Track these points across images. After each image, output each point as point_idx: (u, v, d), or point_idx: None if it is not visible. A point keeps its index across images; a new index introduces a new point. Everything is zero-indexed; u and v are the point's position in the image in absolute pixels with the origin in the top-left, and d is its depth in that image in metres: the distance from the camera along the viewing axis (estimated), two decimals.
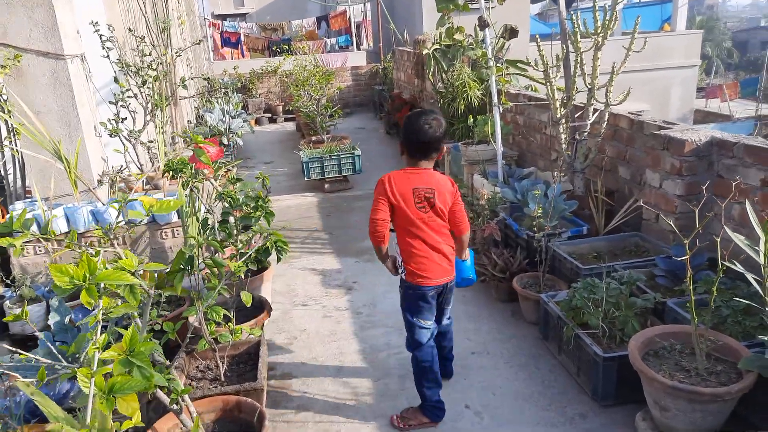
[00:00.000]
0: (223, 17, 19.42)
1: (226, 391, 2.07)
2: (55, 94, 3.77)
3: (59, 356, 1.97)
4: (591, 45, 3.70)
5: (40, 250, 3.49)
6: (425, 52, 6.58)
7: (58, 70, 3.75)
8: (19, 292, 3.20)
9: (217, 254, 2.11)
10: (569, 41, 3.89)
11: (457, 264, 2.63)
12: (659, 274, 3.05)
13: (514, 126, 5.71)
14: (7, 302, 3.20)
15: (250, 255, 2.43)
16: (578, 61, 3.73)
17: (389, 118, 9.28)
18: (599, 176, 4.02)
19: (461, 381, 2.89)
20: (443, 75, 6.54)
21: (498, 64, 5.33)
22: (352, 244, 4.81)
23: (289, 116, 11.84)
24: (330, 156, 6.36)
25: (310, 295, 3.95)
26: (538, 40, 3.82)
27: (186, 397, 1.72)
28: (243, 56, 15.87)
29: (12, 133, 3.79)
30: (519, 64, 6.02)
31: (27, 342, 3.12)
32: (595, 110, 3.89)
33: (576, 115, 4.04)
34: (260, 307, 2.89)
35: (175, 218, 3.62)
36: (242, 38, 16.12)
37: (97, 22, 4.10)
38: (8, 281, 3.33)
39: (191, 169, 2.81)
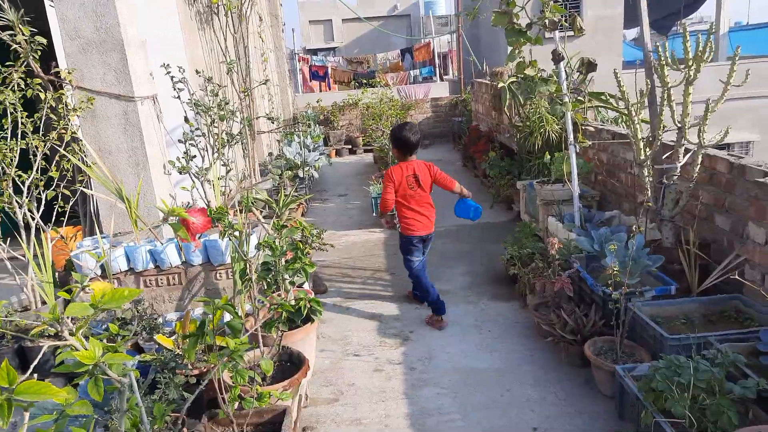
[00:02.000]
0: (314, 51, 20.20)
1: None
2: (125, 134, 3.91)
3: None
4: (681, 79, 3.27)
5: None
6: (501, 84, 6.30)
7: (129, 111, 3.89)
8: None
9: (231, 319, 1.96)
10: (655, 74, 3.47)
11: (463, 202, 4.21)
12: (765, 350, 2.54)
13: (597, 164, 5.24)
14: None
15: (279, 318, 2.27)
16: (665, 96, 3.31)
17: (465, 149, 9.01)
18: (692, 226, 3.50)
19: None
20: (519, 109, 6.21)
21: (579, 98, 4.94)
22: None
23: (369, 148, 11.90)
24: None
25: (364, 344, 3.73)
26: (617, 73, 3.44)
27: None
28: (330, 89, 16.30)
29: (85, 173, 3.96)
30: (602, 97, 5.57)
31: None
32: (687, 150, 3.42)
33: (664, 156, 3.58)
34: (299, 363, 2.72)
35: (228, 260, 3.58)
36: (329, 71, 16.59)
37: (168, 65, 4.24)
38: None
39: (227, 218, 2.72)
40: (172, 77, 4.26)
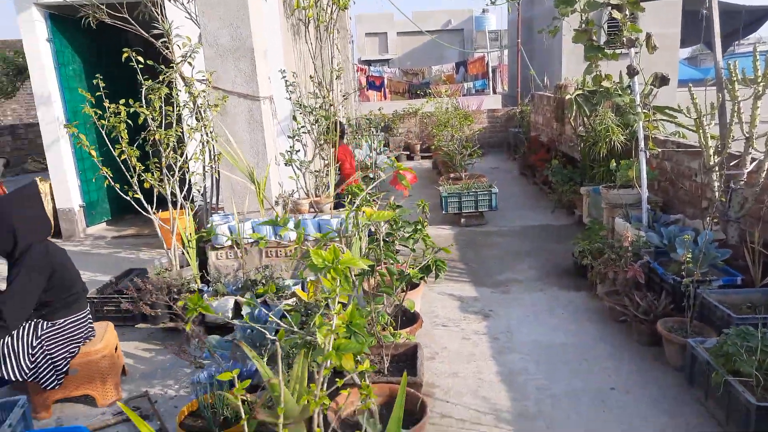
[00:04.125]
0: (369, 62, 20.94)
1: (391, 381, 2.41)
2: (249, 128, 4.54)
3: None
4: (750, 94, 3.66)
5: (231, 255, 4.18)
6: (567, 96, 6.73)
7: (253, 109, 4.52)
8: (214, 287, 3.87)
9: (393, 265, 2.49)
10: (725, 89, 3.87)
11: None
12: None
13: (660, 172, 5.61)
14: (205, 295, 3.87)
15: (419, 268, 2.80)
16: (735, 110, 3.71)
17: (524, 159, 9.43)
18: (756, 227, 3.87)
19: (600, 414, 2.96)
20: (585, 119, 6.61)
21: (645, 110, 5.34)
22: (488, 276, 5.03)
23: (426, 154, 12.48)
24: (468, 192, 6.67)
25: (450, 317, 4.22)
26: (691, 88, 3.86)
27: (366, 377, 2.07)
28: (385, 98, 16.95)
29: (214, 159, 4.60)
30: (667, 110, 5.94)
31: (217, 328, 3.75)
32: (753, 159, 3.80)
33: (731, 163, 3.96)
34: (413, 318, 3.22)
35: (337, 238, 4.13)
36: (385, 81, 17.26)
37: (284, 70, 4.87)
38: (207, 279, 4.03)
39: (364, 193, 3.27)
40: (285, 81, 4.89)
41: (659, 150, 5.24)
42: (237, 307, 3.87)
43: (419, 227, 3.19)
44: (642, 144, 4.65)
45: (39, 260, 2.95)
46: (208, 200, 4.69)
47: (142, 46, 4.04)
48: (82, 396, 3.22)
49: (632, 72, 4.61)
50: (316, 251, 1.72)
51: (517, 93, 13.25)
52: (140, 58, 3.96)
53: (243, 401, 2.42)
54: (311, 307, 3.03)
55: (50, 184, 6.69)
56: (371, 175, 8.28)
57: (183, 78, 4.31)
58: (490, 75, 17.38)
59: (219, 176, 4.62)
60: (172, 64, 4.24)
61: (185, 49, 4.21)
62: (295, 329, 2.04)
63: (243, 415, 2.29)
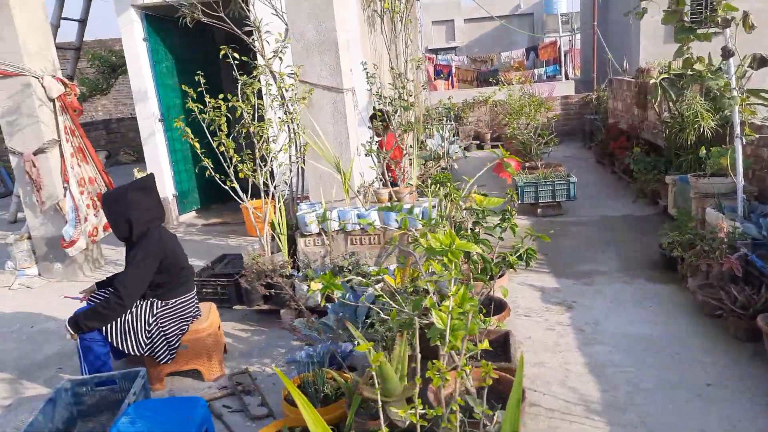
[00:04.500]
0: (436, 51, 20.83)
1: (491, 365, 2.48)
2: (333, 120, 4.69)
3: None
4: None
5: (318, 242, 4.36)
6: (651, 81, 6.45)
7: (337, 101, 4.66)
8: (304, 273, 4.07)
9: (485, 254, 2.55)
10: None
11: None
12: None
13: (756, 160, 5.30)
14: (296, 280, 4.07)
15: (514, 255, 2.85)
16: None
17: (602, 147, 9.13)
18: None
19: (698, 408, 2.90)
20: (670, 105, 6.33)
21: (741, 94, 5.05)
22: (568, 267, 4.97)
23: (496, 143, 12.32)
24: (545, 182, 6.57)
25: (531, 308, 4.22)
26: None
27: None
28: (453, 87, 16.85)
29: (299, 150, 4.78)
30: (762, 93, 5.58)
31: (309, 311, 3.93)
32: None
33: None
34: (500, 307, 3.27)
35: (419, 226, 4.22)
36: (453, 70, 17.14)
37: (365, 62, 4.99)
38: (296, 264, 4.24)
39: (451, 182, 3.34)
40: (366, 72, 5.00)
41: (757, 136, 4.96)
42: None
43: (507, 216, 3.22)
44: (738, 130, 4.42)
45: (153, 246, 3.22)
46: (294, 189, 4.89)
47: (226, 43, 4.26)
48: (190, 371, 3.50)
49: (727, 53, 4.38)
50: (434, 235, 1.81)
51: (593, 78, 12.79)
52: (236, 55, 4.19)
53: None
54: (400, 293, 3.13)
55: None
56: (443, 165, 8.32)
57: (272, 73, 4.51)
58: (562, 60, 16.86)
59: (304, 166, 4.81)
60: (262, 60, 4.44)
61: (277, 44, 4.41)
62: (406, 310, 2.14)
63: (346, 392, 2.44)
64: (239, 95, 4.27)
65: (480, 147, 12.38)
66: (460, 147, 9.22)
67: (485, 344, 1.73)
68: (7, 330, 4.48)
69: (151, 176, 3.43)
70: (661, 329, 3.75)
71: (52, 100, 5.09)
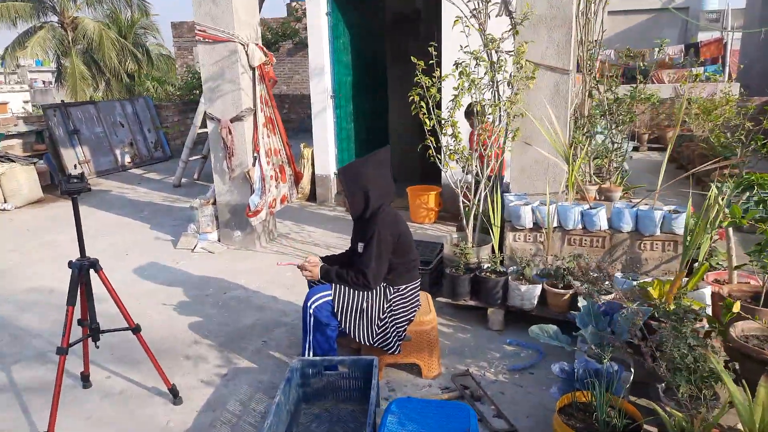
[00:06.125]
0: None
1: None
2: (551, 103, 4.22)
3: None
4: None
5: (530, 239, 3.94)
6: None
7: (560, 83, 4.19)
8: (519, 271, 3.68)
9: None
10: None
11: None
12: None
13: None
14: (510, 277, 3.69)
15: None
16: None
17: None
18: None
19: None
20: None
21: None
22: None
23: (654, 145, 11.33)
24: None
25: None
26: None
27: None
28: None
29: (507, 134, 4.36)
30: None
31: (522, 315, 3.54)
32: None
33: None
34: None
35: (658, 232, 3.67)
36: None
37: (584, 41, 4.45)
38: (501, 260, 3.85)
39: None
40: (590, 53, 4.47)
41: None
42: (542, 295, 3.63)
43: None
44: None
45: (390, 222, 2.97)
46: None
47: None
48: (407, 364, 3.23)
49: None
50: None
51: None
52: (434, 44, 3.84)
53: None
54: (680, 312, 2.63)
55: (312, 150, 7.14)
56: (617, 164, 7.56)
57: (495, 51, 4.12)
58: (727, 59, 15.13)
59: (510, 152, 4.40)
60: (491, 41, 4.05)
61: (513, 21, 4.02)
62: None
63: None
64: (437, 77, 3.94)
65: (635, 149, 11.34)
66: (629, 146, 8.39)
67: None
68: (201, 293, 4.50)
69: (387, 149, 3.17)
70: None
71: (253, 69, 5.07)
